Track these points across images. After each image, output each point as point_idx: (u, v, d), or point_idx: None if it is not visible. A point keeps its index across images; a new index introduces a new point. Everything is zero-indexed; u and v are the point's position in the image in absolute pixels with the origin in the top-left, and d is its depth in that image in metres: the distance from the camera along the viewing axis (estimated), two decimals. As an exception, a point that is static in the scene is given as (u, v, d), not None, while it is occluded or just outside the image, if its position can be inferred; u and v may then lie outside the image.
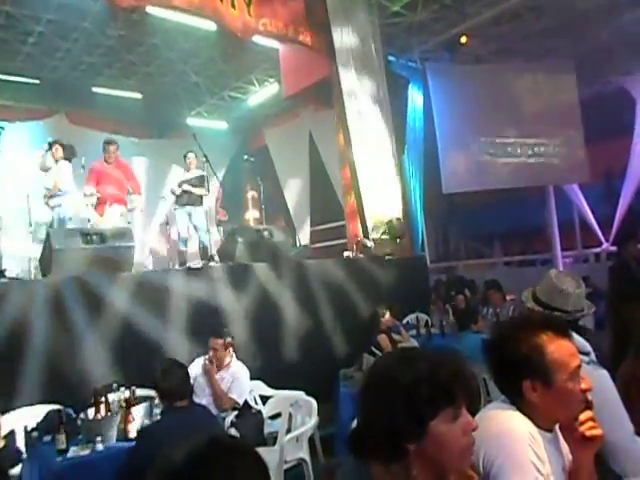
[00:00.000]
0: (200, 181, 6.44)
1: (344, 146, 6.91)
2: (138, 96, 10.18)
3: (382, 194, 6.78)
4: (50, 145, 6.53)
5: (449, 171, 8.53)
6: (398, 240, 6.47)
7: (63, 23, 7.60)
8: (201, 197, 6.50)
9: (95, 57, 8.87)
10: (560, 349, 1.43)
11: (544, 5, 7.86)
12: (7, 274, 4.66)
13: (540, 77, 9.06)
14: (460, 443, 1.13)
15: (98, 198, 6.03)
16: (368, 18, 7.15)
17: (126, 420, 3.02)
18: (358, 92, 6.78)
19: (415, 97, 8.85)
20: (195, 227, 6.49)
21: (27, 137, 8.80)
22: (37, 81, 9.20)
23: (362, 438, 1.18)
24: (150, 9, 6.15)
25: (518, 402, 1.46)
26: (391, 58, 8.12)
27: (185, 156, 6.65)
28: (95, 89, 9.74)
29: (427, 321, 5.95)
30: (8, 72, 8.68)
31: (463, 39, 8.50)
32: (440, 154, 8.60)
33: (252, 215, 10.74)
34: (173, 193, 6.59)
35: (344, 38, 6.77)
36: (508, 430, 1.38)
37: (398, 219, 6.64)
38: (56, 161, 6.43)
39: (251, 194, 10.69)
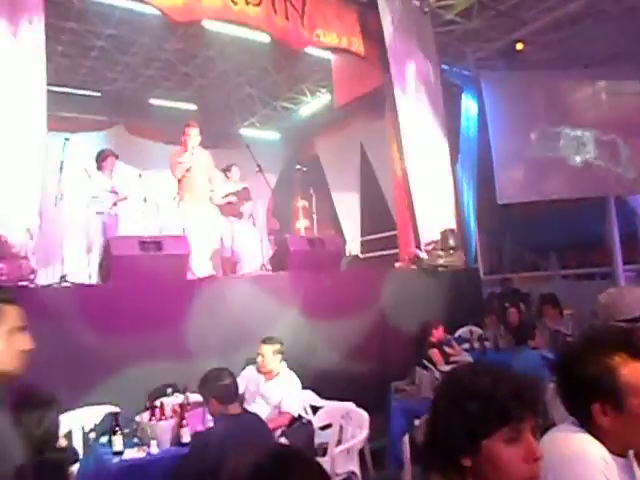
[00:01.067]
0: (245, 193, 6.56)
1: (397, 156, 6.84)
2: (193, 107, 10.44)
3: (435, 204, 6.67)
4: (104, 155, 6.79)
5: (504, 181, 8.31)
6: (452, 251, 6.34)
7: (123, 38, 7.91)
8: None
9: (152, 70, 9.17)
10: (634, 372, 1.36)
11: (606, 9, 7.59)
12: (68, 279, 4.86)
13: (602, 84, 8.72)
14: (520, 470, 1.09)
15: None
16: (422, 27, 7.08)
17: (180, 425, 3.07)
18: (412, 102, 6.71)
19: (469, 106, 8.71)
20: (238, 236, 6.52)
21: (88, 147, 9.19)
22: (98, 93, 9.58)
23: (425, 448, 1.19)
24: (206, 23, 6.29)
25: (588, 425, 1.39)
26: (444, 66, 8.01)
27: (229, 169, 6.78)
28: (152, 101, 10.07)
29: (480, 335, 5.80)
30: (71, 85, 9.06)
31: (519, 46, 8.30)
32: (494, 163, 8.39)
33: (303, 224, 10.79)
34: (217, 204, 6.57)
35: (398, 47, 6.73)
36: (579, 454, 1.31)
37: (452, 230, 6.51)
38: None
39: (302, 203, 10.75)
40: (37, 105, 4.23)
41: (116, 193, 6.63)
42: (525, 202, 8.76)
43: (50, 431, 2.38)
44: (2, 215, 3.81)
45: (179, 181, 5.90)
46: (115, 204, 6.61)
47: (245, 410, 2.83)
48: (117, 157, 6.86)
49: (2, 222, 3.74)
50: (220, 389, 2.71)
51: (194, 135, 5.84)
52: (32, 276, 3.89)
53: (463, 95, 8.67)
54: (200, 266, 5.52)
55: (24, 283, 3.80)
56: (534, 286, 9.06)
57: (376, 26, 6.74)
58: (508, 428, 1.08)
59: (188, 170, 5.80)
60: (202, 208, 5.93)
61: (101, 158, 6.75)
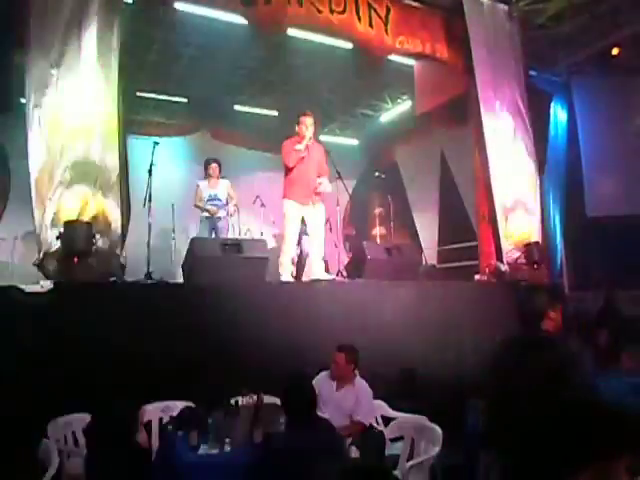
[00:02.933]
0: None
1: (480, 165, 6.63)
2: (275, 113, 10.66)
3: (520, 216, 6.41)
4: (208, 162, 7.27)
5: (595, 193, 7.87)
6: (535, 265, 6.06)
7: (210, 47, 8.20)
8: None
9: (237, 77, 9.45)
10: None
11: None
12: (153, 276, 5.09)
13: None
14: None
15: None
16: (511, 31, 6.86)
17: (254, 425, 3.10)
18: (497, 109, 6.50)
19: (558, 113, 8.32)
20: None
21: (174, 152, 9.62)
22: (185, 100, 10.00)
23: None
24: (291, 31, 6.41)
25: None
26: (533, 72, 7.69)
27: None
28: (236, 107, 10.38)
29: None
30: (160, 92, 9.51)
31: (615, 51, 7.83)
32: (585, 174, 7.97)
33: (379, 231, 10.72)
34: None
35: (484, 53, 6.55)
36: None
37: (536, 243, 6.23)
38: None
39: (379, 210, 10.68)
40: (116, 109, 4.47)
41: (219, 200, 7.00)
42: (616, 216, 8.25)
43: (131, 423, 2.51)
44: (94, 214, 4.04)
45: (288, 172, 5.65)
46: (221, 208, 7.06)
47: (317, 416, 2.82)
48: (220, 165, 7.23)
49: (94, 220, 3.96)
50: (298, 399, 2.72)
51: (310, 124, 5.63)
52: (121, 272, 4.08)
53: (552, 102, 8.29)
54: (288, 267, 5.56)
55: (113, 279, 4.00)
56: (626, 304, 8.49)
57: (461, 32, 6.59)
58: (598, 465, 1.00)
59: (301, 160, 5.58)
60: (307, 205, 5.65)
61: (205, 166, 7.21)
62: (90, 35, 4.33)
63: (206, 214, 7.03)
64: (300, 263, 6.49)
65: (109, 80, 4.43)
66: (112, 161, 4.20)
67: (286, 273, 5.46)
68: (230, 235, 7.22)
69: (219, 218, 7.07)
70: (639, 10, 7.16)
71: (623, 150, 8.09)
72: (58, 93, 4.08)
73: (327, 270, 6.05)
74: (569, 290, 8.47)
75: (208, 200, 7.03)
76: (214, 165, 7.23)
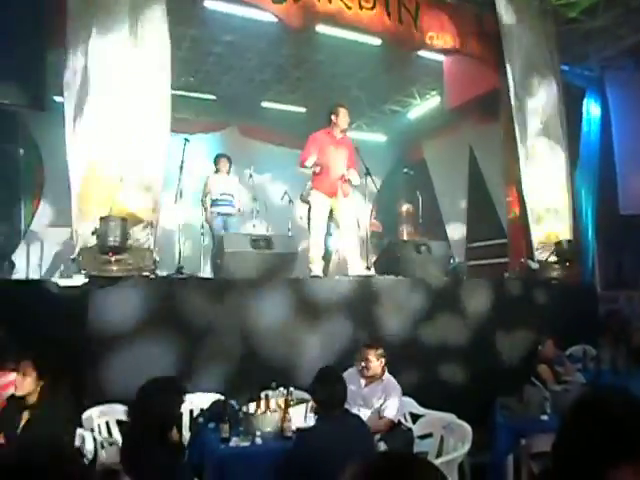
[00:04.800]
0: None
1: (511, 161, 6.54)
2: (302, 110, 10.69)
3: (551, 213, 6.31)
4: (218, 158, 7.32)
5: (629, 190, 7.68)
6: (567, 264, 5.96)
7: (240, 44, 8.28)
8: None
9: (266, 74, 9.51)
10: None
11: None
12: (184, 271, 5.17)
13: None
14: None
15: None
16: (543, 26, 6.74)
17: (284, 419, 3.14)
18: (529, 104, 6.40)
19: (591, 109, 8.15)
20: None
21: (203, 148, 9.72)
22: (213, 97, 10.10)
23: (550, 472, 1.15)
24: (319, 28, 6.41)
25: None
26: (565, 67, 7.55)
27: None
28: (264, 104, 10.44)
29: (596, 355, 5.41)
30: (189, 89, 9.61)
31: (650, 44, 7.64)
32: (618, 171, 7.79)
33: (406, 228, 10.66)
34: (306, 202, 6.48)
35: (516, 48, 6.45)
36: None
37: (569, 241, 6.12)
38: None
39: (406, 207, 10.62)
40: (162, 107, 4.54)
41: (232, 195, 7.05)
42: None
43: (172, 415, 2.57)
44: (129, 210, 4.12)
45: (315, 166, 5.52)
46: (232, 205, 7.09)
47: (347, 411, 2.84)
48: (230, 160, 7.25)
49: (129, 216, 4.04)
50: (328, 394, 2.74)
51: (343, 115, 5.58)
52: (154, 267, 4.16)
53: (585, 97, 8.13)
54: (318, 261, 5.53)
55: (146, 273, 4.09)
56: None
57: (493, 26, 6.52)
58: (637, 464, 1.01)
59: (326, 154, 5.51)
60: (338, 198, 5.58)
61: (216, 161, 7.20)
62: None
63: (217, 210, 7.03)
64: (325, 258, 6.47)
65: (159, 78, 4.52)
66: (152, 158, 4.27)
67: (317, 268, 5.45)
68: (256, 232, 7.27)
69: (230, 215, 7.10)
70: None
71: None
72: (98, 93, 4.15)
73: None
74: (601, 289, 8.31)
75: (221, 194, 7.07)
76: (224, 159, 7.27)
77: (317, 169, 5.49)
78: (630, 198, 7.75)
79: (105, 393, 3.79)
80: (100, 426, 3.58)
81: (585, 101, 8.16)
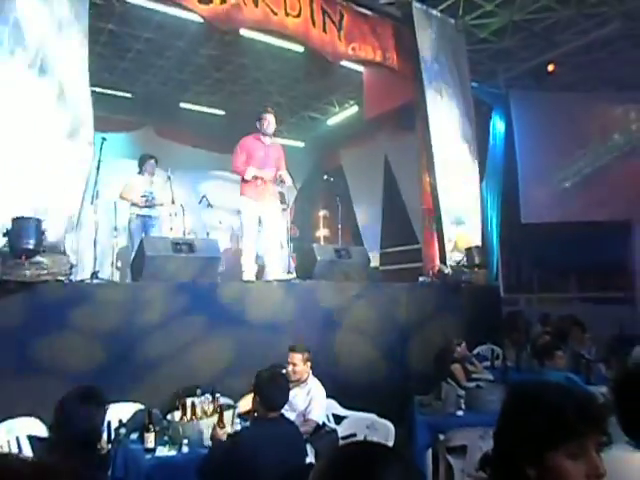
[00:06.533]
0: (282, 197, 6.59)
1: (425, 171, 6.86)
2: (221, 113, 10.56)
3: (463, 221, 6.69)
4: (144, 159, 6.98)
5: (529, 201, 8.34)
6: (476, 269, 6.35)
7: (160, 42, 8.05)
8: None
9: (185, 74, 9.31)
10: None
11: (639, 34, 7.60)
12: (99, 275, 4.95)
13: (632, 107, 8.72)
14: None
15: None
16: (456, 44, 7.14)
17: (220, 425, 3.05)
18: (443, 117, 6.75)
19: (497, 124, 8.74)
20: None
21: (117, 148, 9.32)
22: (129, 95, 9.73)
23: (490, 458, 1.23)
24: (243, 31, 6.39)
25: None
26: (474, 84, 8.06)
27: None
28: (182, 104, 10.20)
29: (502, 354, 5.79)
30: (104, 86, 9.19)
31: (550, 67, 8.33)
32: (520, 183, 8.42)
33: (322, 233, 10.84)
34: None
35: (431, 63, 6.79)
36: None
37: (477, 247, 6.52)
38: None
39: (323, 213, 10.81)
40: (83, 102, 4.34)
41: (153, 197, 6.79)
42: (546, 222, 8.76)
43: (96, 428, 2.45)
44: (44, 211, 3.90)
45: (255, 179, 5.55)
46: (154, 207, 6.79)
47: (282, 415, 2.85)
48: (156, 161, 6.99)
49: (44, 218, 3.81)
50: (271, 394, 2.75)
51: (270, 120, 5.60)
52: (69, 271, 3.96)
53: (492, 114, 8.70)
54: (251, 266, 5.54)
55: (62, 278, 3.87)
56: (552, 307, 9.01)
57: (410, 41, 6.80)
58: (573, 443, 1.12)
59: (255, 159, 5.54)
60: (266, 203, 5.64)
61: (141, 162, 6.90)
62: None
63: (137, 212, 6.74)
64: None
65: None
66: (70, 157, 4.06)
67: (248, 272, 5.43)
68: (174, 235, 7.05)
69: (150, 217, 6.79)
70: (573, 30, 7.67)
71: (555, 161, 8.60)
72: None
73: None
74: (504, 292, 8.89)
75: (142, 197, 6.72)
76: (152, 162, 6.93)
77: (258, 182, 5.54)
78: (530, 208, 8.39)
79: (13, 407, 3.54)
80: (10, 442, 3.34)
81: (492, 117, 8.74)
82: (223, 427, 2.98)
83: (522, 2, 7.05)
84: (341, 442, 3.82)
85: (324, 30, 6.09)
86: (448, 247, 6.49)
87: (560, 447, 1.11)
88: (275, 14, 5.69)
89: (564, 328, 5.87)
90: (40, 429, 3.42)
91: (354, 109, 10.38)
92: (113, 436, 3.47)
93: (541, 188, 8.59)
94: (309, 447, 3.52)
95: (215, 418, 3.19)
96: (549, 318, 7.31)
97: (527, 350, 5.49)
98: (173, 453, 3.01)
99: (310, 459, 3.16)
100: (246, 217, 5.63)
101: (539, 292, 11.12)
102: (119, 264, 6.55)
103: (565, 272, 11.82)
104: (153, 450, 3.02)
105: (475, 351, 5.95)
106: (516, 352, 5.70)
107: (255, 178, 5.52)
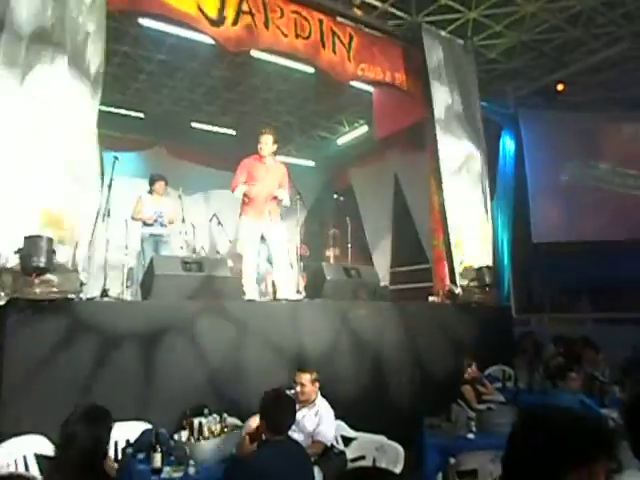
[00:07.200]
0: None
1: (435, 190, 6.85)
2: (232, 132, 10.67)
3: (472, 241, 6.66)
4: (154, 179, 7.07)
5: (540, 220, 8.28)
6: (487, 289, 6.30)
7: (172, 63, 8.18)
8: None
9: (197, 95, 9.44)
10: None
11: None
12: (110, 294, 4.97)
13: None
14: None
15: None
16: (465, 65, 7.19)
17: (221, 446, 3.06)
18: (453, 137, 6.77)
19: (507, 144, 8.74)
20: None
21: (129, 166, 9.42)
22: (142, 115, 9.87)
23: None
24: (254, 52, 6.48)
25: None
26: (484, 104, 8.09)
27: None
28: (193, 124, 10.33)
29: (514, 375, 5.71)
30: (117, 105, 9.35)
31: (560, 87, 8.36)
32: (531, 202, 8.39)
33: (332, 253, 10.81)
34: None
35: (441, 84, 6.83)
36: None
37: (488, 267, 6.48)
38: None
39: (333, 232, 10.79)
40: (90, 122, 4.40)
41: (162, 217, 6.86)
42: (558, 241, 8.69)
43: (102, 447, 2.44)
44: (56, 229, 3.92)
45: (244, 196, 5.64)
46: (165, 226, 6.87)
47: (289, 437, 2.82)
48: (166, 182, 7.07)
49: (55, 236, 3.84)
50: (276, 417, 2.72)
51: (265, 142, 5.65)
52: (80, 289, 3.97)
53: (502, 133, 8.71)
54: (252, 286, 5.53)
55: (72, 296, 3.89)
56: (565, 328, 8.88)
57: (420, 62, 6.87)
58: (583, 469, 1.10)
59: (256, 180, 5.61)
60: (267, 222, 5.65)
61: (151, 182, 7.00)
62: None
63: (149, 231, 6.81)
64: (259, 282, 6.45)
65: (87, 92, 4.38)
66: (82, 176, 4.11)
67: (250, 293, 5.43)
68: (184, 254, 7.09)
69: (162, 236, 6.86)
70: (582, 49, 7.70)
71: (566, 181, 8.56)
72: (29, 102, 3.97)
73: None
74: (515, 313, 8.80)
75: (152, 216, 6.82)
76: (161, 182, 7.01)
77: (246, 200, 5.61)
78: (541, 228, 8.33)
79: (21, 425, 3.53)
80: (17, 461, 3.32)
81: (502, 136, 8.75)
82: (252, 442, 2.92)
83: (531, 22, 7.10)
84: (350, 464, 3.78)
85: (334, 51, 6.16)
86: (458, 267, 6.45)
87: (570, 473, 1.09)
88: (285, 36, 5.77)
89: (577, 349, 5.78)
90: (47, 447, 3.40)
91: (364, 129, 10.44)
92: (120, 456, 3.47)
93: (552, 207, 8.55)
94: (317, 469, 3.48)
95: (223, 437, 3.17)
96: (562, 339, 7.19)
97: (539, 371, 5.42)
98: (179, 474, 2.98)
99: (318, 481, 3.12)
100: (244, 238, 5.68)
101: (551, 312, 10.97)
102: (129, 282, 6.59)
103: (577, 292, 11.68)
104: (160, 470, 2.99)
105: (486, 372, 5.87)
106: (528, 373, 5.62)
107: (245, 196, 5.58)
